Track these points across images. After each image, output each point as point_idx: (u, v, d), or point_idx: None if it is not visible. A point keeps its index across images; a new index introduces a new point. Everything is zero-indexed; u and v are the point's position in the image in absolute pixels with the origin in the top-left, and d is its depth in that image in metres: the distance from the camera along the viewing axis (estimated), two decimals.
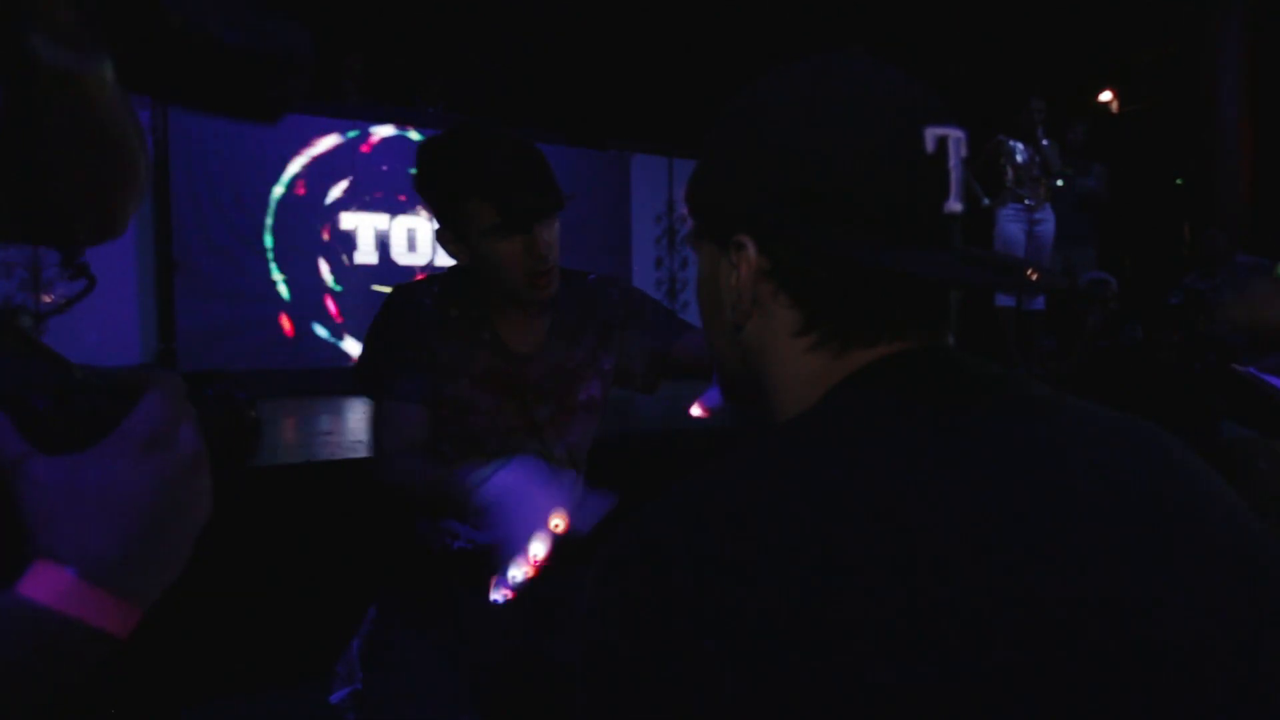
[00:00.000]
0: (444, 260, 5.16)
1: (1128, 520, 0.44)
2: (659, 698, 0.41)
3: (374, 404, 1.26)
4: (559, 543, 0.98)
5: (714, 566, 0.42)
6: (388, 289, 1.35)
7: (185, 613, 1.88)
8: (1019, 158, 5.16)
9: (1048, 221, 5.24)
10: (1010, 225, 5.17)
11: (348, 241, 4.73)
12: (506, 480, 1.02)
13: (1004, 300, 5.09)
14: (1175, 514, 0.46)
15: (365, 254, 4.77)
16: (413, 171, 1.26)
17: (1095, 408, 0.52)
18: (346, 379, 4.82)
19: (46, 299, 4.05)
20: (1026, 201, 5.17)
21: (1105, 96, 7.12)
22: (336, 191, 4.71)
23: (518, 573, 0.98)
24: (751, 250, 0.55)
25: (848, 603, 0.40)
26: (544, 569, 1.00)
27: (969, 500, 0.43)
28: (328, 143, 4.71)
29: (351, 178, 4.75)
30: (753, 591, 0.41)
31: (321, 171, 4.68)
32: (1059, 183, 5.33)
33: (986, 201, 5.19)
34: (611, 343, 1.38)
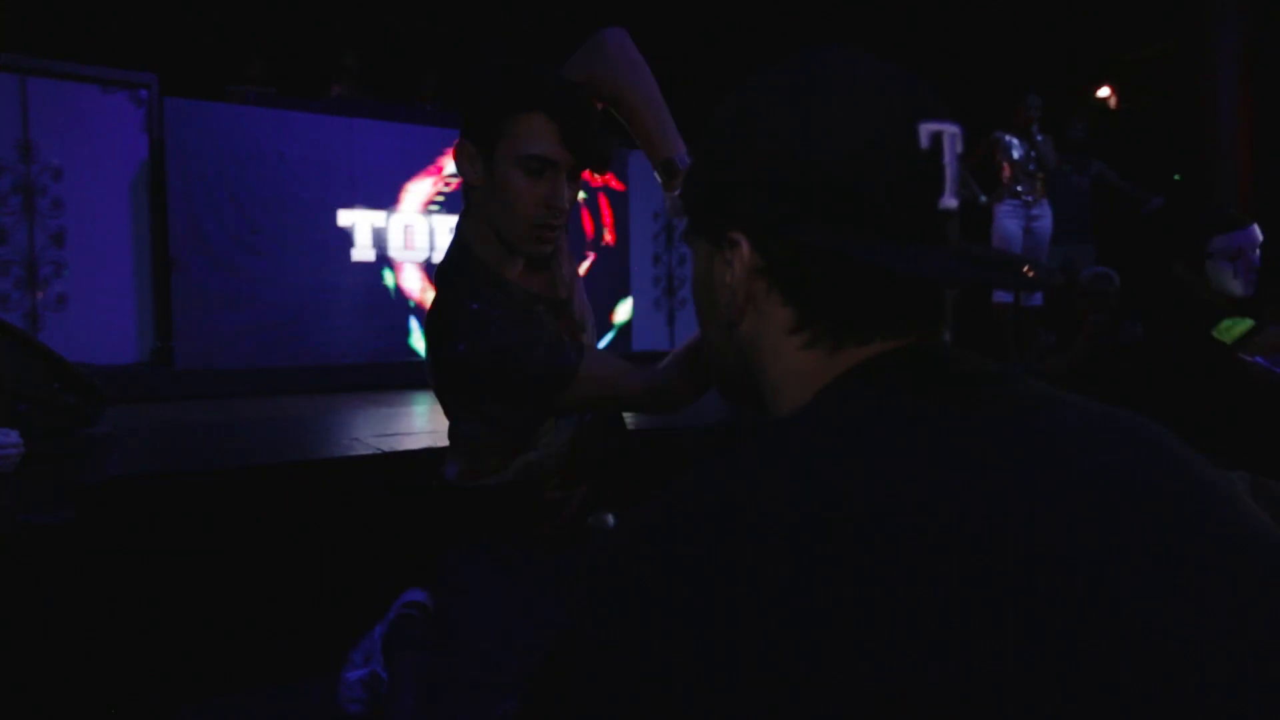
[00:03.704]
0: (440, 257, 5.12)
1: (1126, 517, 0.44)
2: (652, 699, 0.41)
3: (568, 380, 1.16)
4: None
5: (710, 565, 0.42)
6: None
7: (184, 610, 1.88)
8: (1015, 154, 5.16)
9: (1045, 217, 5.24)
10: (1007, 221, 5.17)
11: (344, 238, 4.72)
12: None
13: (1001, 296, 5.09)
14: (1174, 510, 0.46)
15: (362, 251, 4.76)
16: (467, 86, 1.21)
17: (1093, 404, 0.52)
18: (344, 377, 4.85)
19: (42, 296, 4.04)
20: (1025, 198, 5.17)
21: (1103, 93, 7.12)
22: (333, 188, 4.70)
23: None
24: (745, 247, 0.54)
25: (844, 601, 0.39)
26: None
27: (965, 498, 0.43)
28: (323, 139, 4.69)
29: (348, 175, 4.75)
30: (749, 590, 0.41)
31: (317, 168, 4.67)
32: (1071, 176, 5.33)
33: (984, 198, 5.18)
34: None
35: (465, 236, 1.24)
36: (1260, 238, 2.24)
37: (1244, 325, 2.18)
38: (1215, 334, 2.21)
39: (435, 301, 1.22)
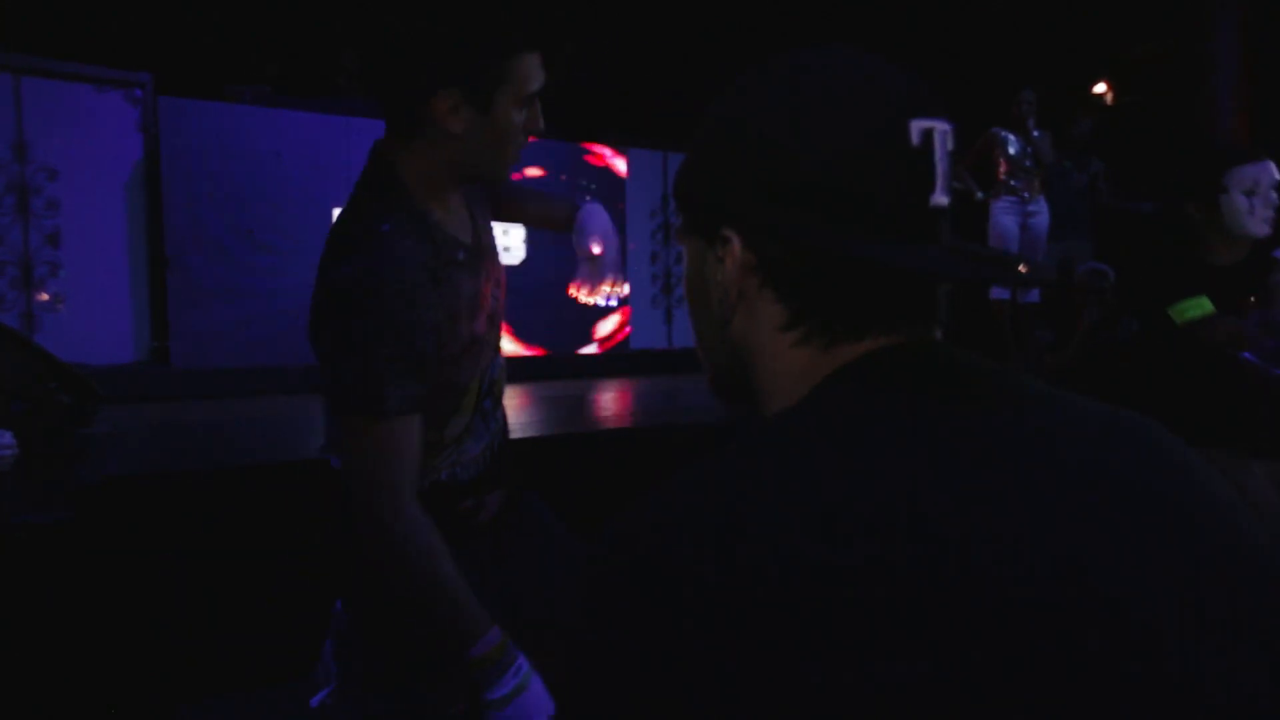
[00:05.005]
0: None
1: (1121, 516, 0.44)
2: (651, 702, 0.41)
3: (366, 424, 1.04)
4: None
5: (701, 567, 0.42)
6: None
7: (181, 610, 1.88)
8: (1011, 149, 5.15)
9: (1041, 213, 5.24)
10: (1004, 218, 5.17)
11: None
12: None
13: (998, 293, 5.09)
14: (1171, 510, 0.46)
15: None
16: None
17: (1088, 402, 0.52)
18: None
19: (42, 297, 4.04)
20: (1022, 194, 5.17)
21: (1100, 88, 7.12)
22: (330, 186, 4.70)
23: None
24: (736, 244, 0.54)
25: (839, 600, 0.39)
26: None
27: (958, 496, 0.43)
28: (321, 137, 4.69)
29: (344, 173, 4.74)
30: (742, 592, 0.40)
31: (315, 166, 4.66)
32: (1072, 174, 5.33)
33: (981, 195, 5.18)
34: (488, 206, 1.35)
35: (396, 168, 1.12)
36: (1277, 176, 2.11)
37: (1203, 309, 2.08)
38: (1170, 311, 2.10)
39: (341, 219, 1.10)
